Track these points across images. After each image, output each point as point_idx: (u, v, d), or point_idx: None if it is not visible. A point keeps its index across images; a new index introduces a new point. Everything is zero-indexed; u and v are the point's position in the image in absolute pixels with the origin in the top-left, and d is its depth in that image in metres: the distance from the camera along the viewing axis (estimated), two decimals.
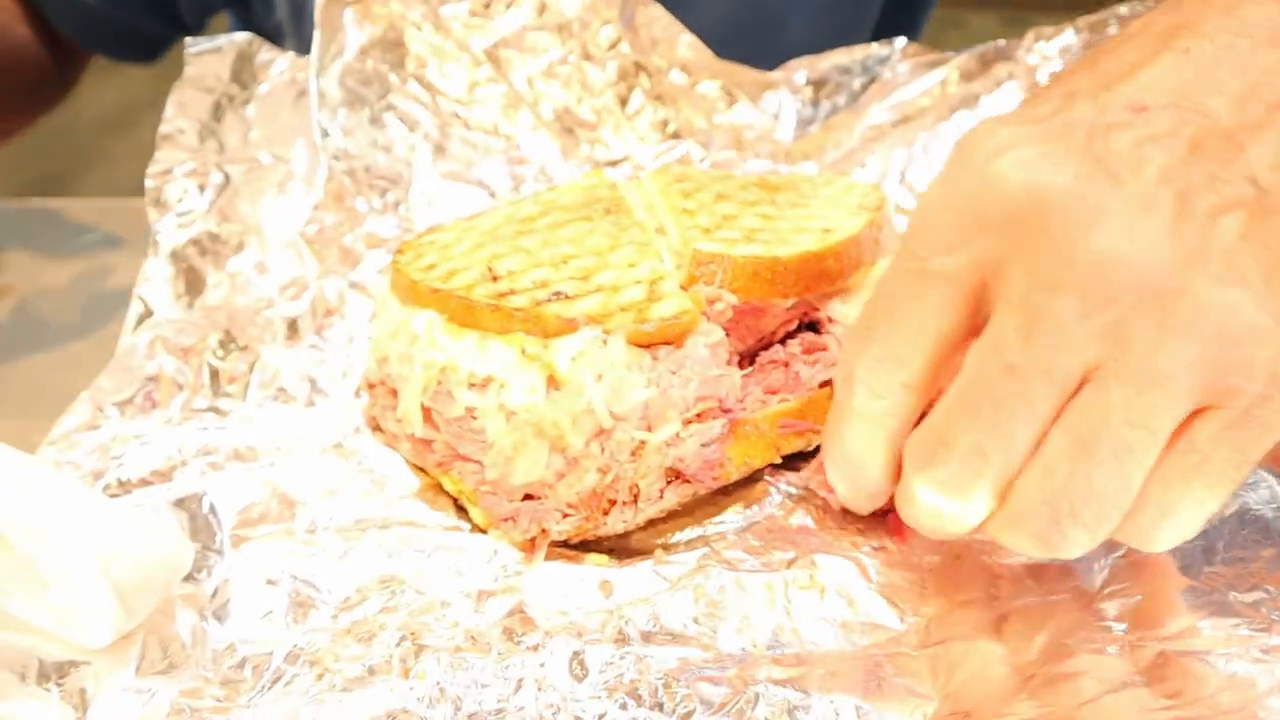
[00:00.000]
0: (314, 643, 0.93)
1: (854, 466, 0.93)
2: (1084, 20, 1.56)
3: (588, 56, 1.57)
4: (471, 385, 1.02)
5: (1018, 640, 0.94)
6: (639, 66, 1.58)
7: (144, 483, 1.08)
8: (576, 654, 0.92)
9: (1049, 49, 1.57)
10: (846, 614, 0.97)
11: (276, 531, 1.04)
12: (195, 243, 1.31)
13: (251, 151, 1.41)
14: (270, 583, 0.99)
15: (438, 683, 0.89)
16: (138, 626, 0.90)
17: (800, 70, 1.62)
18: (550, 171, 1.50)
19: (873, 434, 0.90)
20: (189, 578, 0.98)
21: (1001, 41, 1.59)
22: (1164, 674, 0.88)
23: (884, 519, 1.04)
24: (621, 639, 0.94)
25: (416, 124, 1.48)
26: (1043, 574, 0.99)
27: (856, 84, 1.59)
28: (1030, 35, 1.59)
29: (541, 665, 0.91)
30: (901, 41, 1.62)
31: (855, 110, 1.58)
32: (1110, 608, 0.96)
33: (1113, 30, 1.57)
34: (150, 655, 0.90)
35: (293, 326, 1.29)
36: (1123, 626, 0.93)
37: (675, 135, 1.58)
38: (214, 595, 0.97)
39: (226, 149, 1.40)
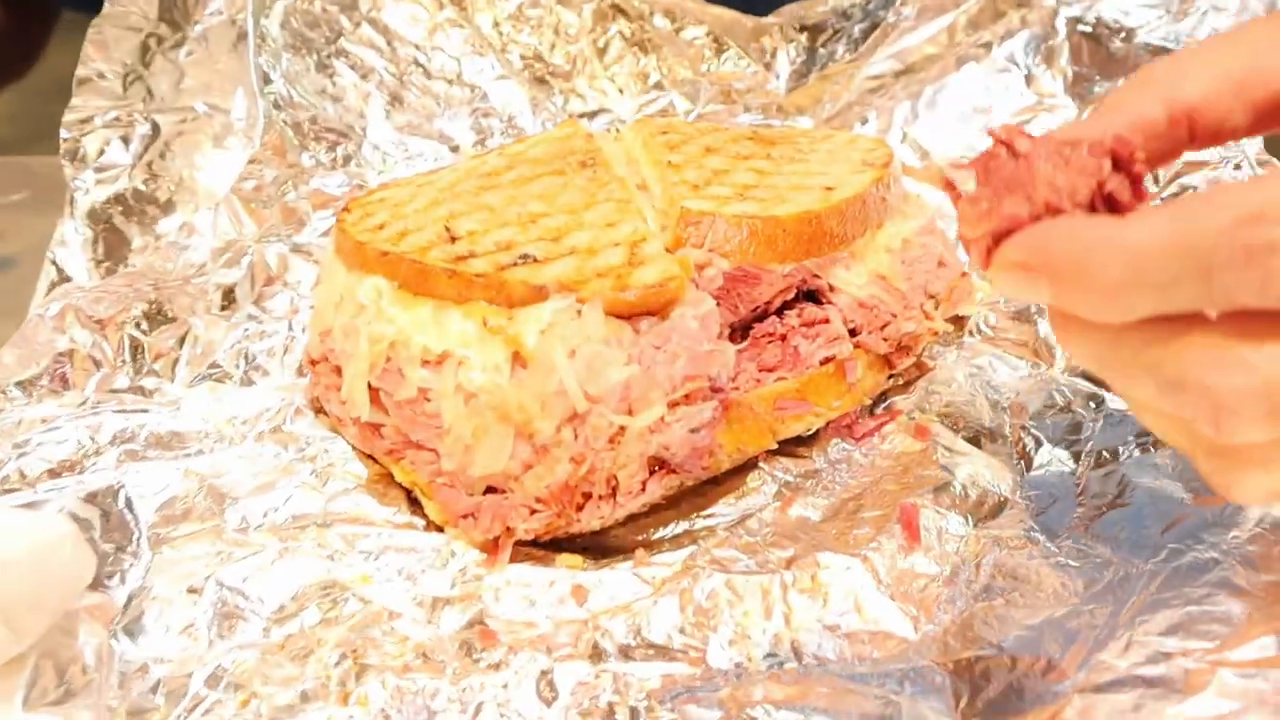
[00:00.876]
0: (241, 662, 0.81)
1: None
2: None
3: None
4: (425, 362, 0.89)
5: (1050, 651, 0.82)
6: (618, 10, 1.46)
7: (51, 475, 0.95)
8: (544, 673, 0.80)
9: None
10: (854, 622, 0.86)
11: (202, 531, 0.92)
12: (118, 201, 1.18)
13: (184, 100, 1.28)
14: (193, 591, 0.86)
15: (382, 710, 0.78)
16: (28, 649, 0.77)
17: (795, 15, 1.49)
18: (519, 124, 1.38)
19: None
20: (97, 586, 0.85)
21: None
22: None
23: (896, 514, 0.93)
24: (597, 654, 0.82)
25: (370, 71, 1.36)
26: (1077, 582, 0.88)
27: (857, 30, 1.47)
28: None
29: (504, 687, 0.79)
30: None
31: (855, 59, 1.46)
32: (1146, 621, 0.84)
33: None
34: (43, 682, 0.77)
35: (228, 296, 1.16)
36: (1173, 642, 0.81)
37: (658, 86, 1.46)
38: (126, 607, 0.85)
39: (155, 96, 1.26)
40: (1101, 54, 1.41)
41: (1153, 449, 0.98)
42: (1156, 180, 1.23)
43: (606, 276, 0.89)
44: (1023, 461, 1.01)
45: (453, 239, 0.94)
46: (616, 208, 0.98)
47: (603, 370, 0.86)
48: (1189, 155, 1.24)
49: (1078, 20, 1.42)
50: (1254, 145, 1.22)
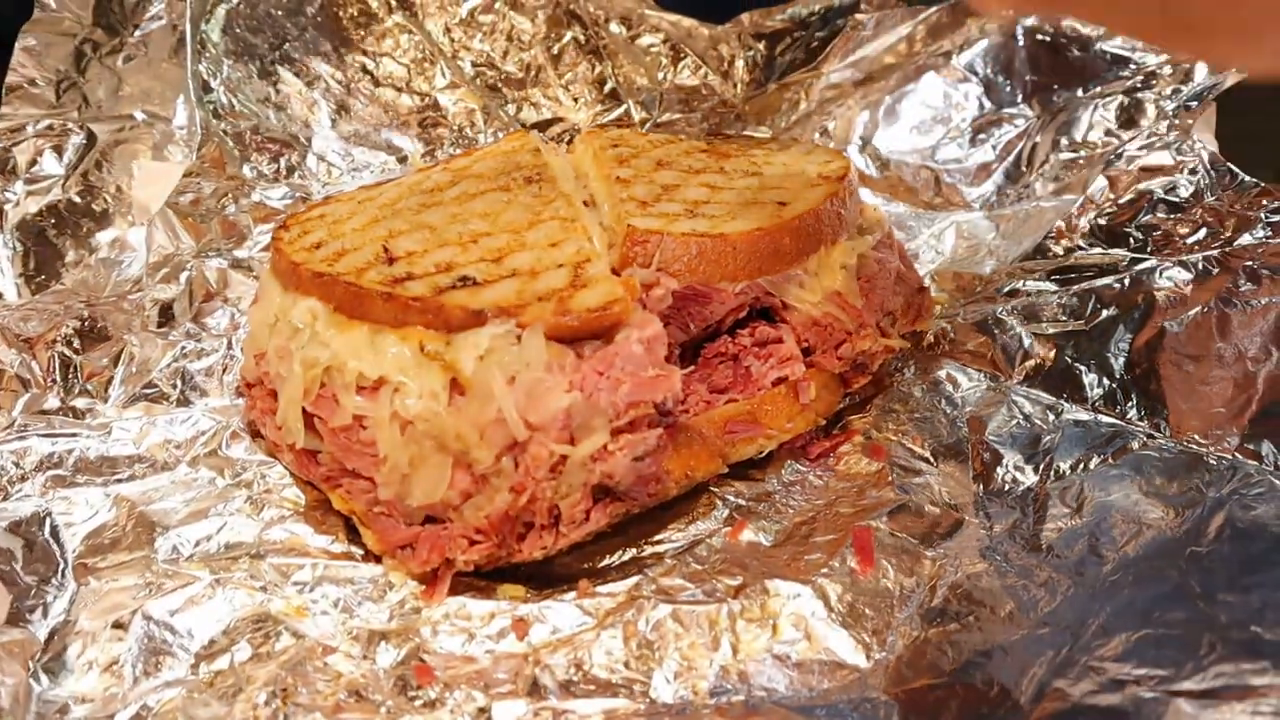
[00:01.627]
0: (166, 701, 0.78)
1: None
2: None
3: (514, 4, 1.41)
4: (360, 389, 0.86)
5: (1004, 678, 0.81)
6: (572, 16, 1.42)
7: None
8: (482, 710, 0.78)
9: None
10: (804, 650, 0.84)
11: (131, 561, 0.88)
12: (51, 213, 1.13)
13: (122, 108, 1.23)
14: (118, 626, 0.83)
15: None
16: None
17: (754, 24, 1.46)
18: (470, 135, 1.34)
19: None
20: (17, 621, 0.82)
21: None
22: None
23: (850, 538, 0.91)
24: (536, 691, 0.80)
25: (316, 78, 1.31)
26: (1034, 603, 0.86)
27: (816, 39, 1.44)
28: None
29: None
30: None
31: (814, 68, 1.43)
32: (1102, 645, 0.83)
33: None
34: None
35: (165, 312, 1.12)
36: (1129, 670, 0.80)
37: (613, 95, 1.43)
38: (48, 643, 0.81)
39: (91, 104, 1.21)
40: (1060, 63, 1.40)
41: (1112, 459, 0.97)
42: (1114, 186, 1.22)
43: (548, 300, 0.86)
44: (981, 478, 0.99)
45: (390, 260, 0.91)
46: (561, 226, 0.95)
47: (543, 397, 0.83)
48: (1145, 160, 1.25)
49: (1036, 29, 1.41)
50: (1209, 147, 1.21)
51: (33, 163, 1.16)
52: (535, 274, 0.88)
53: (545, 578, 0.90)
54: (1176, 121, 1.25)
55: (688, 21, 1.46)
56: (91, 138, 1.19)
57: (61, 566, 0.87)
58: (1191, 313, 1.06)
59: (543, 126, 1.38)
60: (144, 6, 1.27)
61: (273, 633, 0.83)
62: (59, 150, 1.17)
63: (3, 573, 0.84)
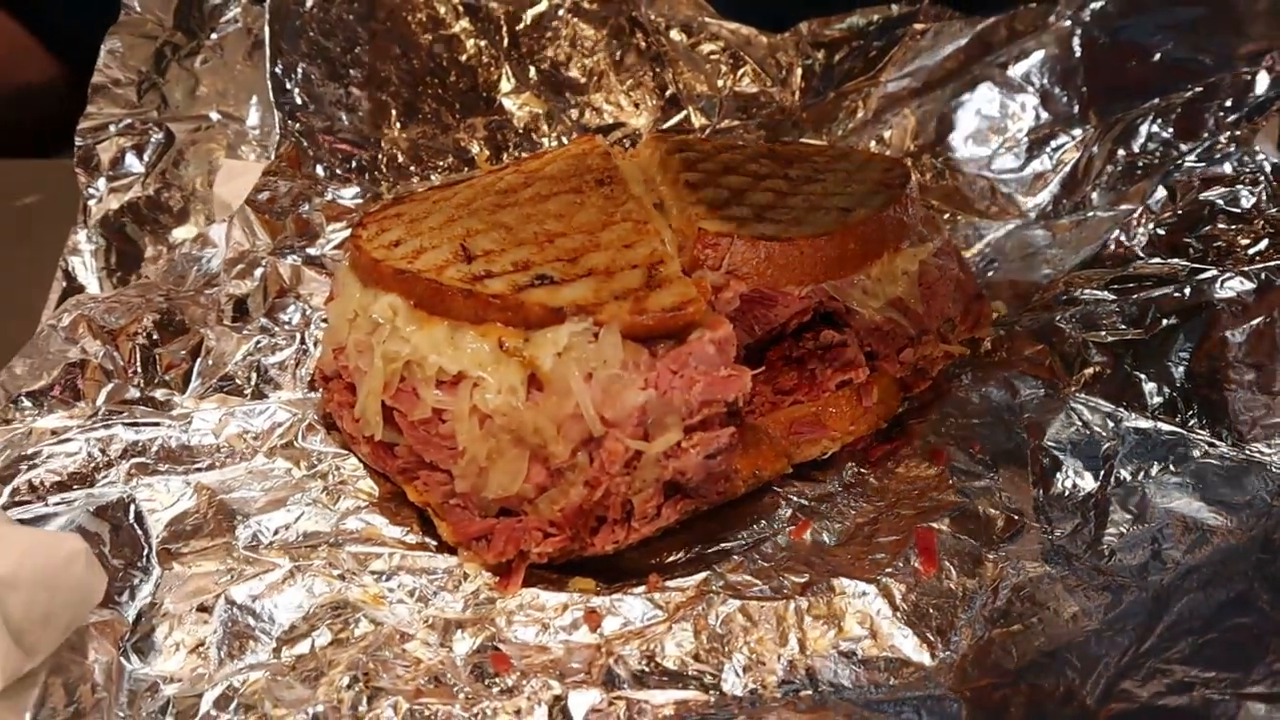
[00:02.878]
0: (251, 683, 0.80)
1: None
2: None
3: (578, 12, 1.43)
4: (440, 383, 0.88)
5: (1070, 678, 0.81)
6: (635, 24, 1.44)
7: (60, 488, 0.94)
8: (558, 699, 0.79)
9: (1083, 13, 1.44)
10: (870, 648, 0.85)
11: (213, 548, 0.91)
12: (131, 210, 1.17)
13: (198, 108, 1.27)
14: (203, 609, 0.85)
15: None
16: (39, 666, 0.76)
17: (812, 32, 1.48)
18: (534, 138, 1.37)
19: None
20: (107, 602, 0.84)
21: (1033, 4, 1.45)
22: None
23: (912, 539, 0.92)
24: (610, 680, 0.81)
25: (386, 81, 1.34)
26: (1097, 606, 0.87)
27: (873, 48, 1.45)
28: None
29: (517, 713, 0.78)
30: (923, 1, 1.48)
31: (872, 77, 1.44)
32: (1168, 648, 0.83)
33: None
34: (52, 701, 0.76)
35: (240, 307, 1.14)
36: (1197, 672, 0.80)
37: (674, 101, 1.45)
38: (136, 624, 0.84)
39: (170, 104, 1.25)
40: (1118, 74, 1.40)
41: (1174, 467, 0.98)
42: (1174, 197, 1.23)
43: (624, 299, 0.88)
44: (1041, 483, 1.00)
45: (469, 258, 0.93)
46: (634, 228, 0.97)
47: (620, 394, 0.85)
48: (1204, 171, 1.25)
49: (1094, 40, 1.41)
50: (1272, 158, 1.21)
51: (115, 161, 1.19)
52: (611, 274, 0.90)
53: (615, 572, 0.91)
54: (1237, 132, 1.25)
55: (747, 29, 1.48)
56: (170, 137, 1.22)
57: (146, 551, 0.90)
58: (1254, 322, 1.06)
59: (604, 131, 1.40)
60: (221, 10, 1.31)
61: (351, 619, 0.85)
62: (139, 149, 1.21)
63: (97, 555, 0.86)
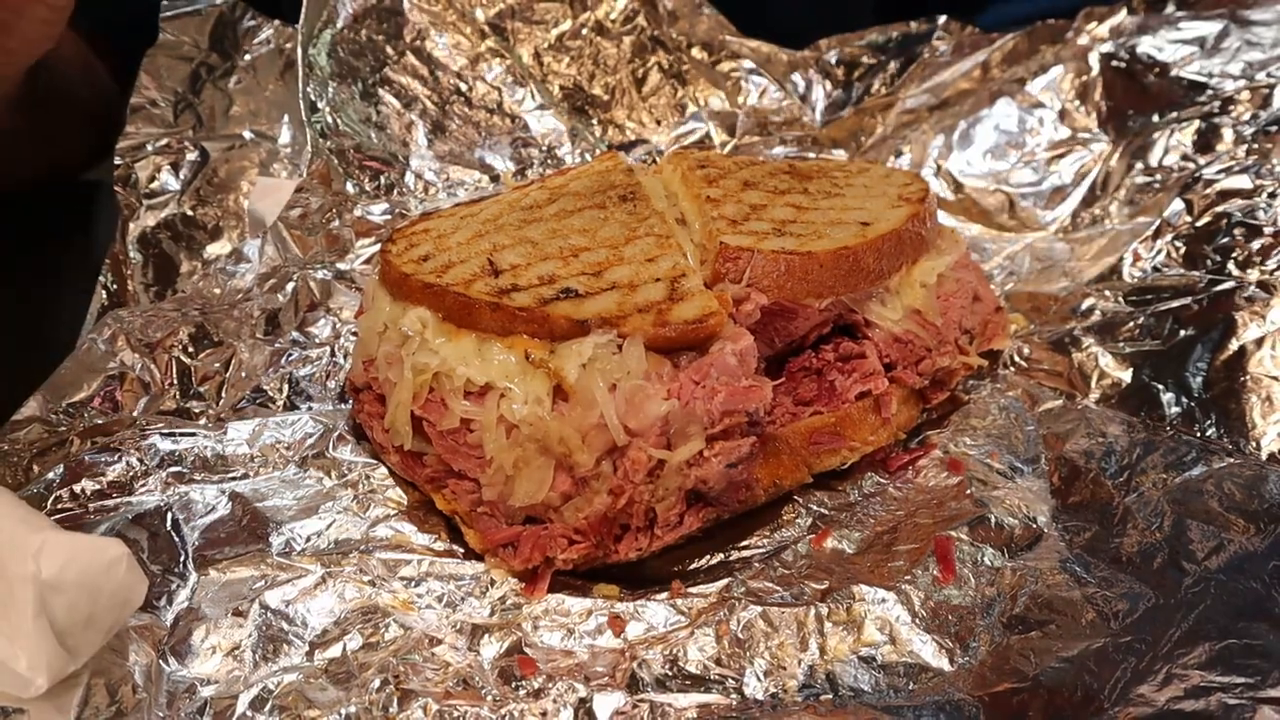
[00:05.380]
0: (285, 685, 0.82)
1: None
2: None
3: (601, 30, 1.46)
4: (468, 394, 0.91)
5: (1087, 683, 0.82)
6: (656, 42, 1.47)
7: (100, 496, 0.96)
8: (583, 701, 0.81)
9: (1101, 29, 1.45)
10: (889, 653, 0.86)
11: (247, 554, 0.93)
12: (168, 226, 1.20)
13: (232, 127, 1.30)
14: (238, 614, 0.87)
15: None
16: (81, 668, 0.78)
17: (831, 49, 1.50)
18: (559, 155, 1.39)
19: None
20: (146, 606, 0.86)
21: (1050, 20, 1.47)
22: None
23: (931, 547, 0.93)
24: (634, 684, 0.83)
25: (413, 100, 1.37)
26: (1115, 613, 0.88)
27: (892, 65, 1.47)
28: (1080, 16, 1.47)
29: (543, 715, 0.80)
30: (941, 19, 1.50)
31: (890, 94, 1.46)
32: (1185, 653, 0.84)
33: (1170, 9, 1.45)
34: (95, 701, 0.78)
35: (272, 320, 1.17)
36: (1214, 677, 0.81)
37: (695, 118, 1.47)
38: (174, 628, 0.86)
39: (204, 124, 1.28)
40: (1136, 89, 1.41)
41: (1192, 476, 0.98)
42: (1192, 209, 1.23)
43: (647, 312, 0.90)
44: (1059, 492, 1.01)
45: (496, 272, 0.95)
46: (656, 243, 0.99)
47: (643, 404, 0.87)
48: (1222, 184, 1.26)
49: (1111, 56, 1.43)
50: None
51: (152, 178, 1.23)
52: (634, 287, 0.92)
53: (638, 579, 0.93)
54: (1255, 146, 1.26)
55: (767, 47, 1.50)
56: (204, 155, 1.25)
57: (183, 557, 0.92)
58: (1272, 332, 1.07)
59: (626, 148, 1.42)
60: (254, 32, 1.35)
61: (381, 624, 0.87)
62: (175, 167, 1.24)
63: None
